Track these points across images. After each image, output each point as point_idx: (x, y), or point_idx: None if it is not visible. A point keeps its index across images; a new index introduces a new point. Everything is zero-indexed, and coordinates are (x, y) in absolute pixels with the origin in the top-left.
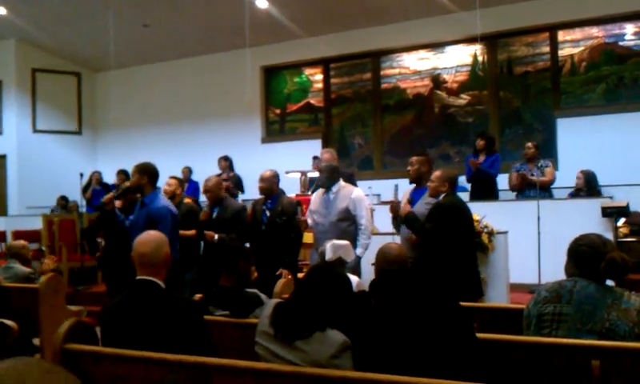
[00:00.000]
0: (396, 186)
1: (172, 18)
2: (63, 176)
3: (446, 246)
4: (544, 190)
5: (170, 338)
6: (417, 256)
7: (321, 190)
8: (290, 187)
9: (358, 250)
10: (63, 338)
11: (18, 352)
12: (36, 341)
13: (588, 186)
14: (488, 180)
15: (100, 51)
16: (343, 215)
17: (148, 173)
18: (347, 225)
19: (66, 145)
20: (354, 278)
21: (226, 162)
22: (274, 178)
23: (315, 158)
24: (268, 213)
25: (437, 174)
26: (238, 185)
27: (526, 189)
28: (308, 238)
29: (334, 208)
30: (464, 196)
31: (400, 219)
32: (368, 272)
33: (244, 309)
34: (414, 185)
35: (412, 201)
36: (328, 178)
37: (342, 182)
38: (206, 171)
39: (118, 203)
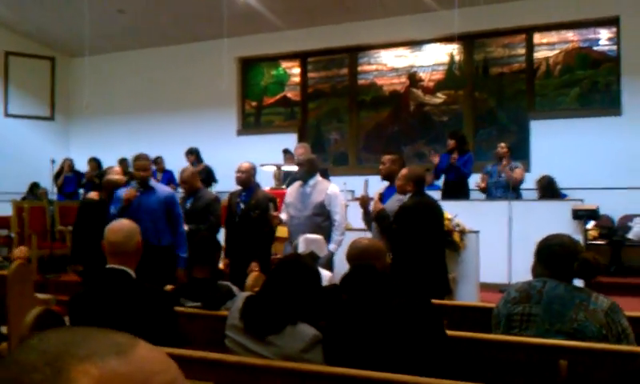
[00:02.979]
0: (366, 181)
1: (149, 4)
2: (34, 162)
3: (412, 245)
4: (513, 191)
5: (140, 328)
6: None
7: (297, 183)
8: (265, 181)
9: (332, 246)
10: (30, 327)
11: None
12: (3, 329)
13: (545, 193)
14: (460, 179)
15: (75, 36)
16: (318, 210)
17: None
18: (322, 220)
19: (38, 130)
20: (325, 273)
21: (192, 156)
22: (252, 170)
23: (286, 151)
24: (242, 205)
25: (403, 172)
26: (209, 176)
27: (492, 189)
28: (282, 232)
29: (309, 202)
30: (436, 194)
31: (371, 216)
32: (342, 268)
33: (216, 301)
34: (386, 182)
35: (383, 198)
36: (307, 171)
37: (318, 177)
38: (180, 161)
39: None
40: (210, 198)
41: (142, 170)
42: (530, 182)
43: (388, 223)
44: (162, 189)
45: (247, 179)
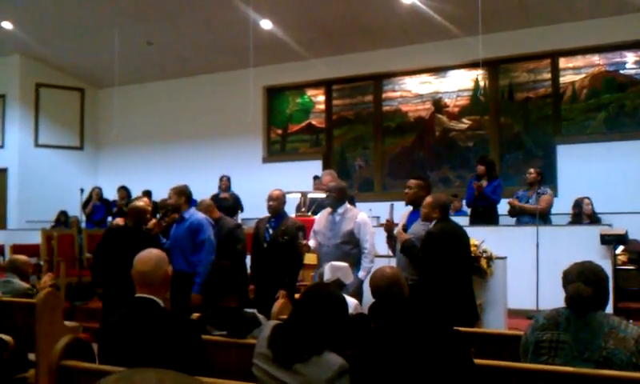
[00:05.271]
0: (391, 205)
1: (176, 36)
2: (64, 191)
3: (439, 272)
4: (540, 218)
5: (167, 357)
6: (417, 277)
7: (327, 211)
8: (290, 208)
9: (361, 274)
10: (60, 355)
11: (14, 367)
12: (32, 356)
13: (580, 214)
14: (490, 205)
15: (103, 68)
16: (347, 238)
17: (185, 194)
18: (350, 248)
19: (67, 160)
20: (352, 301)
21: (226, 181)
22: (283, 197)
23: (316, 177)
24: (271, 231)
25: (428, 200)
26: (236, 204)
27: (519, 216)
28: (311, 258)
29: (339, 230)
30: (464, 221)
31: (394, 241)
32: (371, 296)
33: (242, 329)
34: (410, 207)
35: (407, 224)
36: (336, 198)
37: (348, 205)
38: (206, 190)
39: (156, 226)
40: (231, 226)
41: (169, 199)
42: (557, 206)
43: (415, 253)
44: (194, 217)
45: (278, 207)
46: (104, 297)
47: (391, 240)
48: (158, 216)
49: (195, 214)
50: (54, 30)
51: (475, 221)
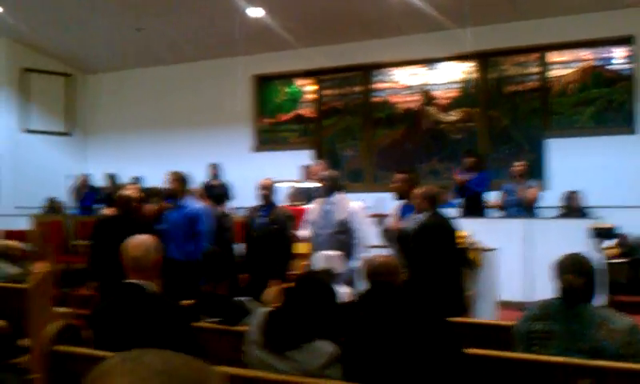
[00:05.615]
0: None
1: (165, 23)
2: (52, 177)
3: (430, 263)
4: (527, 210)
5: (159, 341)
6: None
7: (319, 201)
8: (280, 197)
9: (355, 263)
10: (52, 340)
11: (5, 352)
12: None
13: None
14: (475, 197)
15: (92, 53)
16: (341, 227)
17: (184, 180)
18: (345, 237)
19: (55, 146)
20: (345, 290)
21: (214, 169)
22: (272, 186)
23: (305, 167)
24: (261, 220)
25: (417, 192)
26: (226, 192)
27: (509, 207)
28: (301, 248)
29: (331, 219)
30: (452, 213)
31: (390, 233)
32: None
33: (234, 316)
34: (403, 200)
35: (401, 215)
36: (329, 188)
37: (340, 194)
38: (195, 178)
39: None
40: (218, 215)
41: (167, 183)
42: (546, 200)
43: (408, 243)
44: (192, 205)
45: (269, 196)
46: (101, 288)
47: (387, 233)
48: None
49: (194, 203)
50: (42, 14)
51: (462, 213)
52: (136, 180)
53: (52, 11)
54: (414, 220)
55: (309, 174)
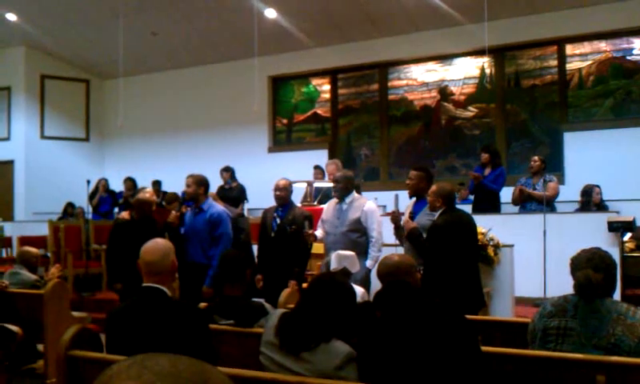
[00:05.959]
0: (396, 196)
1: (180, 26)
2: (70, 183)
3: (444, 261)
4: (546, 205)
5: (174, 345)
6: (422, 266)
7: (334, 200)
8: (295, 197)
9: (368, 263)
10: (68, 345)
11: (22, 358)
12: (40, 347)
13: (588, 201)
14: (491, 194)
15: (108, 59)
16: (354, 226)
17: (204, 184)
18: (358, 236)
19: (73, 151)
20: (359, 290)
21: (228, 173)
22: (290, 186)
23: (316, 167)
24: (278, 220)
25: (432, 188)
26: (241, 194)
27: (527, 203)
28: (318, 248)
29: (345, 219)
30: (469, 209)
31: (401, 231)
32: (379, 285)
33: (249, 318)
34: (414, 198)
35: (413, 213)
36: (343, 188)
37: (355, 194)
38: (211, 181)
39: (177, 218)
40: (234, 216)
41: (187, 187)
42: (564, 194)
43: (422, 243)
44: (213, 208)
45: (285, 196)
46: (122, 291)
47: (399, 231)
48: (177, 209)
49: (215, 206)
50: (58, 21)
51: (477, 209)
52: (156, 184)
53: (67, 17)
54: (427, 215)
55: (320, 173)
